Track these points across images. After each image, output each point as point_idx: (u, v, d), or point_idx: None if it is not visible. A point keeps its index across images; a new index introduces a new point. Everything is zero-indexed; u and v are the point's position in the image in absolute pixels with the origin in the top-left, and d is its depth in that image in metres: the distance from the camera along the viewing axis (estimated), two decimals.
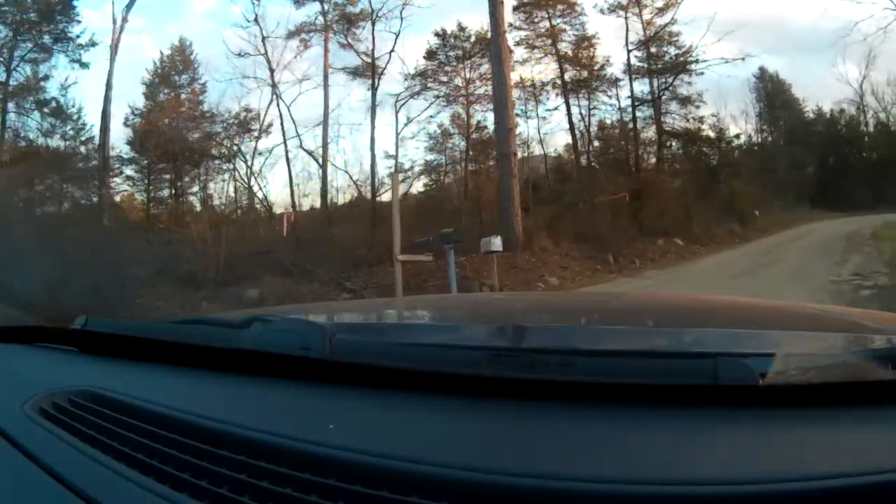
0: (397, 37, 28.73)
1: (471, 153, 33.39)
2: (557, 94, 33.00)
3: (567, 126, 33.12)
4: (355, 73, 29.99)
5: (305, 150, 28.83)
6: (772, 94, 45.46)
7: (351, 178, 29.71)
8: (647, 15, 31.70)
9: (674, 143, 34.45)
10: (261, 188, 29.70)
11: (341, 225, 25.76)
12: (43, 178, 25.08)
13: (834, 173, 44.14)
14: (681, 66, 32.08)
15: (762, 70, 44.34)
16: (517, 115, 33.09)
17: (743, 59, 31.21)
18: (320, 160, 29.06)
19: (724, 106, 39.38)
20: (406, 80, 30.74)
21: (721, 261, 21.30)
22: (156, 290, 16.98)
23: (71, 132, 27.77)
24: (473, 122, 33.03)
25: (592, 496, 0.82)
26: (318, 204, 29.97)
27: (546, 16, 32.39)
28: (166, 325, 1.87)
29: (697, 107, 33.45)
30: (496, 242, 15.09)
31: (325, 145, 29.18)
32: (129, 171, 30.04)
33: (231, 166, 29.12)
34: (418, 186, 34.02)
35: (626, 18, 31.87)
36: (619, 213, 25.71)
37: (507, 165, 22.33)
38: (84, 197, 26.61)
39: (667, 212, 27.01)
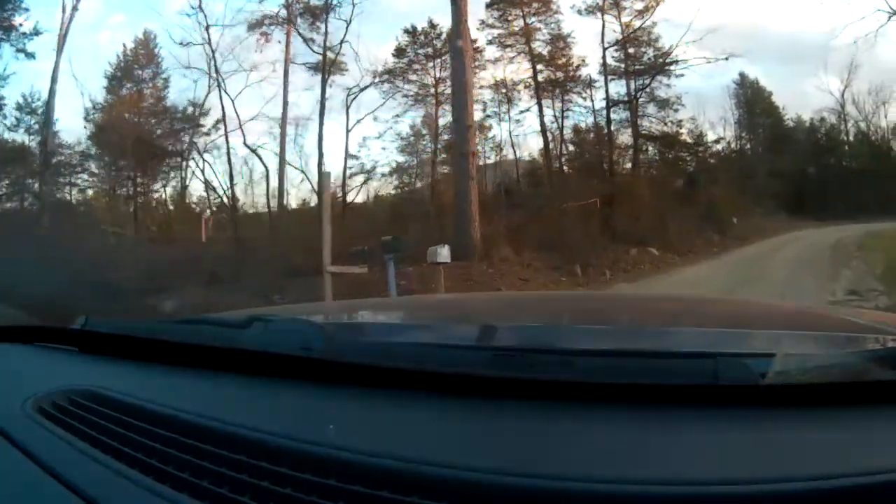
0: (348, 25, 27.42)
1: (444, 155, 32.62)
2: (531, 96, 32.43)
3: (539, 128, 32.43)
4: (317, 68, 28.79)
5: (248, 147, 27.23)
6: (752, 100, 45.16)
7: (306, 177, 28.56)
8: (625, 17, 31.06)
9: (651, 148, 33.89)
10: (221, 187, 28.21)
11: (295, 228, 24.30)
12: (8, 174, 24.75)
13: (813, 182, 44.03)
14: (660, 66, 31.47)
15: (742, 76, 44.30)
16: (489, 115, 33.16)
17: (727, 58, 30.00)
18: (266, 157, 27.91)
19: (702, 112, 38.74)
20: (365, 74, 29.46)
21: (700, 274, 19.80)
22: (65, 301, 15.06)
23: (36, 126, 27.20)
24: (444, 122, 32.04)
25: (592, 496, 0.82)
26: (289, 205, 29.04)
27: (520, 14, 31.75)
28: (166, 325, 1.86)
29: (676, 110, 32.87)
30: (443, 252, 13.88)
31: (282, 143, 27.90)
32: (94, 167, 29.56)
33: (184, 163, 28.59)
34: (389, 189, 33.82)
35: (602, 17, 31.05)
36: (591, 219, 24.13)
37: (465, 166, 20.62)
38: (49, 193, 25.94)
39: (641, 219, 25.67)
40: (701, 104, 40.08)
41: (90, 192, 29.99)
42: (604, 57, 31.43)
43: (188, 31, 29.07)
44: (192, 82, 28.44)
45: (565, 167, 32.73)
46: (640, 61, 32.00)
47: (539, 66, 32.13)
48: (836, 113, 46.58)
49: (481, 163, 34.03)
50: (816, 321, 1.97)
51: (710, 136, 38.08)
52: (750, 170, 39.93)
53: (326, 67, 27.96)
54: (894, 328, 1.77)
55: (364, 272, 14.03)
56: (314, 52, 27.83)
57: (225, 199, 28.03)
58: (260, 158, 27.60)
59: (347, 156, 30.46)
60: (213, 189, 28.46)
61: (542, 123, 32.08)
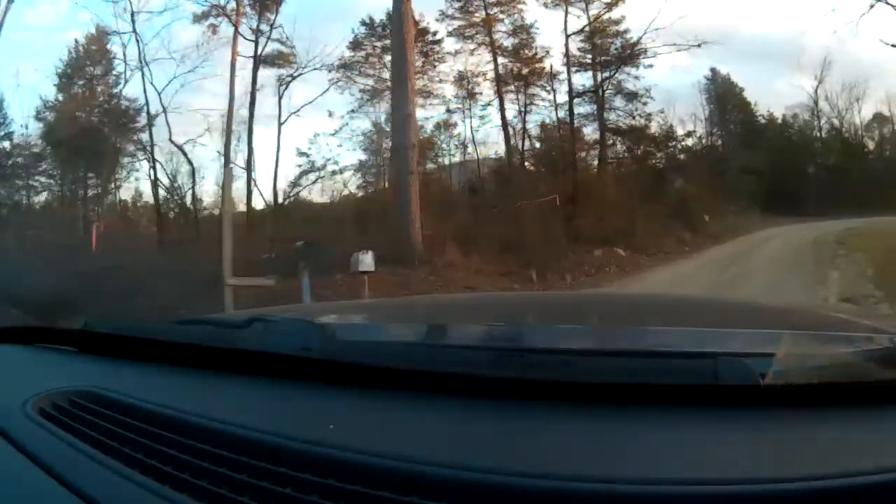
0: (279, 6, 26.00)
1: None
2: (494, 91, 31.11)
3: (500, 123, 31.13)
4: (265, 61, 27.37)
5: (175, 144, 25.44)
6: (723, 96, 44.91)
7: (252, 179, 26.74)
8: (594, 10, 29.97)
9: (619, 143, 32.89)
10: (178, 188, 27.14)
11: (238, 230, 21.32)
12: None
13: (786, 179, 43.66)
14: (628, 54, 30.37)
15: (713, 71, 44.04)
16: (451, 111, 32.23)
17: (699, 45, 28.82)
18: (210, 156, 26.93)
19: (672, 109, 38.26)
20: (306, 63, 27.44)
21: (672, 277, 18.14)
22: None
23: None
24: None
25: (592, 496, 0.82)
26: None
27: (482, 3, 30.49)
28: (166, 326, 1.86)
29: (645, 103, 31.89)
30: (366, 260, 12.42)
31: (227, 140, 25.41)
32: (49, 168, 28.44)
33: (137, 163, 27.47)
34: (353, 188, 31.98)
35: (566, 7, 29.71)
36: (551, 219, 22.18)
37: (404, 160, 18.70)
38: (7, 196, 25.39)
39: (608, 218, 24.24)
40: (671, 101, 40.67)
41: (44, 194, 29.07)
42: (566, 45, 30.40)
43: (115, 19, 27.23)
44: (119, 76, 27.25)
45: (528, 164, 31.87)
46: (608, 52, 31.10)
47: (502, 60, 31.18)
48: (810, 109, 47.08)
49: (446, 161, 33.66)
50: (816, 321, 1.98)
51: (681, 132, 37.59)
52: (722, 166, 39.47)
53: (259, 55, 26.57)
54: (894, 328, 1.78)
55: (271, 284, 12.00)
56: (246, 39, 25.78)
57: (172, 199, 27.18)
58: (185, 155, 26.05)
59: (279, 150, 28.61)
60: (166, 189, 27.14)
61: (504, 118, 31.13)
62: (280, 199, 28.21)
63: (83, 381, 1.41)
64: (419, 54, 29.93)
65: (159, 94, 24.85)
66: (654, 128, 33.46)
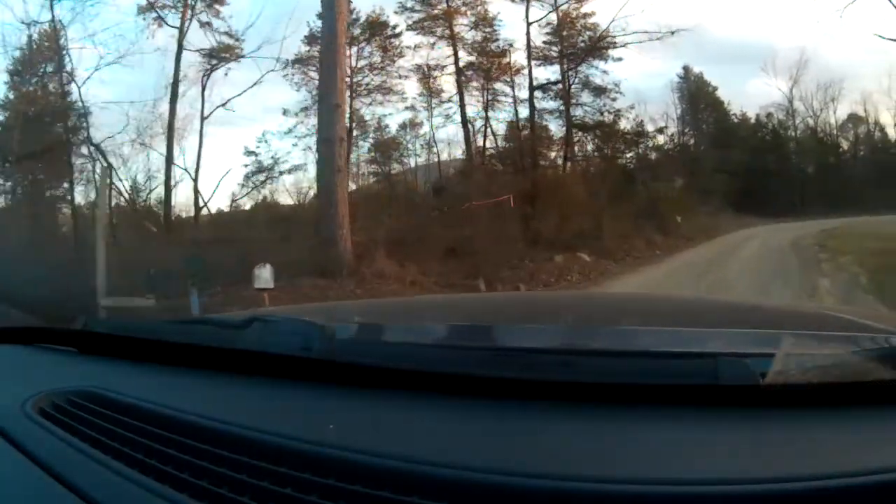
0: None
1: (373, 154, 31.08)
2: (456, 88, 29.41)
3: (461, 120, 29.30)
4: (211, 54, 25.68)
5: (91, 145, 23.80)
6: (695, 95, 44.18)
7: (194, 181, 25.20)
8: (562, 3, 28.45)
9: (587, 139, 31.13)
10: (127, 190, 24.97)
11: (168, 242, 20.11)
12: None
13: (760, 178, 43.37)
14: (595, 42, 28.62)
15: (686, 69, 43.35)
16: (411, 108, 30.51)
17: (672, 32, 26.98)
18: (152, 157, 24.39)
19: (644, 108, 36.79)
20: (236, 51, 25.80)
21: (642, 285, 16.21)
22: None
23: None
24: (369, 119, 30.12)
25: (592, 496, 0.82)
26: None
27: None
28: (166, 326, 1.87)
29: (614, 99, 30.30)
30: (262, 275, 10.26)
31: (169, 140, 24.40)
32: None
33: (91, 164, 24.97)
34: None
35: None
36: (506, 221, 20.23)
37: (330, 155, 16.19)
38: None
39: (572, 219, 22.37)
40: (642, 101, 39.05)
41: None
42: (528, 32, 28.44)
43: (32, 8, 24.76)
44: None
45: (490, 163, 29.84)
46: (575, 45, 29.43)
47: (463, 55, 29.42)
48: (784, 109, 47.06)
49: (412, 162, 32.35)
50: (816, 321, 1.98)
51: (652, 129, 35.80)
52: (694, 166, 38.54)
53: (181, 43, 24.70)
54: (894, 328, 1.79)
55: (150, 305, 10.29)
56: (169, 25, 24.34)
57: (124, 201, 24.99)
58: (103, 155, 23.99)
59: (201, 145, 26.07)
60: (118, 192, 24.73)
61: (464, 114, 29.33)
62: (225, 202, 26.78)
63: (83, 381, 1.41)
64: (378, 49, 29.27)
65: (79, 88, 24.11)
66: (623, 124, 31.91)
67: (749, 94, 67.09)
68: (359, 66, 29.22)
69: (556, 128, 30.86)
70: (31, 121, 24.73)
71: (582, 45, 29.40)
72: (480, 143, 30.72)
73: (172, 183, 24.78)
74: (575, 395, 1.09)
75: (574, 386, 1.11)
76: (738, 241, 25.72)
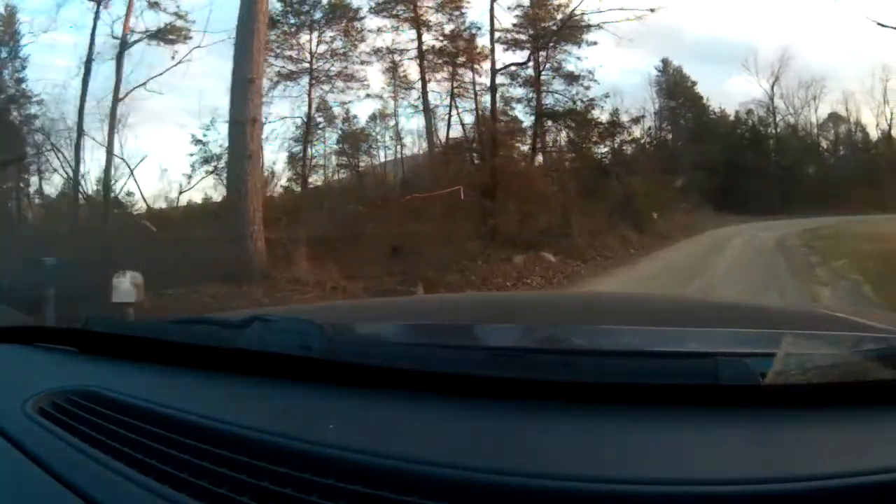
0: None
1: (341, 146, 29.90)
2: (419, 73, 28.09)
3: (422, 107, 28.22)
4: (155, 37, 23.94)
5: (40, 133, 22.40)
6: (674, 89, 43.63)
7: (128, 165, 23.34)
8: None
9: (559, 129, 28.62)
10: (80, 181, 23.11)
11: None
12: None
13: (739, 176, 42.94)
14: (568, 25, 26.18)
15: (665, 62, 42.83)
16: (370, 95, 28.80)
17: (653, 10, 24.00)
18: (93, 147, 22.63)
19: (621, 101, 34.55)
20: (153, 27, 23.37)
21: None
22: None
23: None
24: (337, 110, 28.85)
25: (592, 496, 0.82)
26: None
27: None
28: (166, 325, 1.86)
29: (587, 87, 28.05)
30: (122, 286, 8.02)
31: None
32: None
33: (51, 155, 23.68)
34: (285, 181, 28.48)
35: None
36: (460, 216, 18.72)
37: (240, 138, 13.92)
38: None
39: (538, 215, 20.78)
40: (619, 94, 36.75)
41: None
42: (491, 9, 26.43)
43: None
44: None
45: (449, 153, 27.36)
46: (546, 28, 27.25)
47: (430, 39, 28.00)
48: (765, 106, 47.03)
49: (383, 156, 30.81)
50: (816, 321, 1.99)
51: (627, 120, 33.40)
52: (672, 161, 37.65)
53: (97, 20, 22.64)
54: (894, 328, 1.79)
55: None
56: None
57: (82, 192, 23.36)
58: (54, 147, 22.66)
59: (113, 129, 23.36)
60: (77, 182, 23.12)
61: (426, 101, 28.25)
62: (107, 195, 23.43)
63: (83, 381, 1.40)
64: (340, 34, 27.68)
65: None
66: (597, 114, 29.24)
67: (728, 93, 67.50)
68: (319, 50, 27.99)
69: (525, 116, 29.06)
70: None
71: (554, 28, 27.28)
72: (454, 133, 29.25)
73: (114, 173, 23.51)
74: (575, 395, 1.09)
75: (574, 386, 1.11)
76: (720, 241, 24.35)
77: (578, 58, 27.92)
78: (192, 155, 25.28)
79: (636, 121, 34.58)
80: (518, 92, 28.47)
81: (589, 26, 26.07)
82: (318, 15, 27.52)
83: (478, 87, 28.21)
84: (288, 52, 27.39)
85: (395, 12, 28.23)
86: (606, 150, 31.23)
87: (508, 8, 27.20)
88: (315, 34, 27.56)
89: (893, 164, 44.57)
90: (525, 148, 27.40)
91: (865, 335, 1.49)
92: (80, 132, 22.76)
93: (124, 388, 1.33)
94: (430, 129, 28.61)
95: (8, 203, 26.12)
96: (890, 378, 1.04)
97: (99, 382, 1.38)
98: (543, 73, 28.13)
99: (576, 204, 22.60)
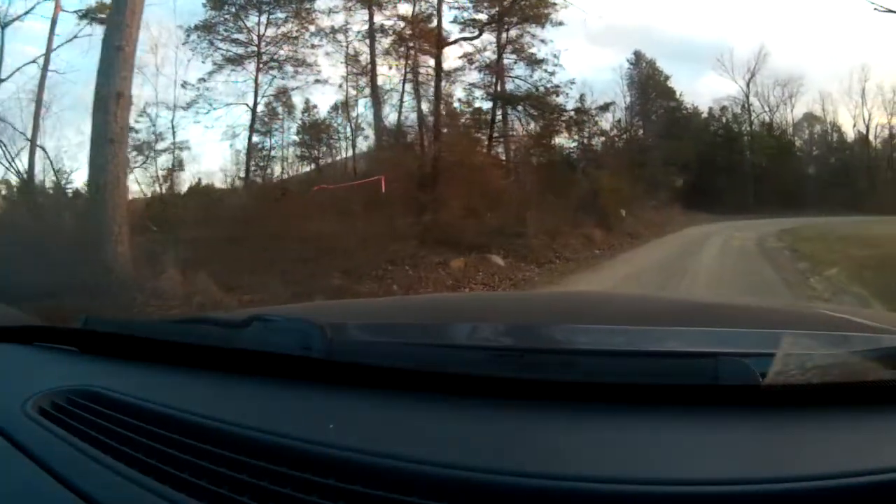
0: None
1: (302, 137, 28.35)
2: (368, 56, 25.34)
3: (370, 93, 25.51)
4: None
5: None
6: (646, 82, 42.04)
7: (50, 161, 21.16)
8: None
9: (521, 119, 26.92)
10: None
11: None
12: None
13: (711, 173, 42.06)
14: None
15: (638, 55, 41.27)
16: (329, 82, 26.22)
17: None
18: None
19: (591, 94, 32.50)
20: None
21: None
22: None
23: None
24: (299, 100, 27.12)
25: (592, 496, 0.83)
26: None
27: None
28: (167, 325, 1.88)
29: (552, 73, 26.28)
30: None
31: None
32: None
33: None
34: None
35: None
36: (386, 213, 16.40)
37: (105, 119, 11.07)
38: None
39: (486, 211, 18.34)
40: (588, 88, 34.67)
41: None
42: None
43: None
44: None
45: (392, 141, 25.32)
46: (507, 6, 25.13)
47: (379, 19, 25.38)
48: (740, 103, 46.10)
49: (345, 150, 28.31)
50: (816, 321, 1.99)
51: (599, 123, 32.56)
52: (642, 157, 36.05)
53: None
54: (894, 328, 1.79)
55: None
56: None
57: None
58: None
59: (33, 128, 21.14)
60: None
61: (374, 84, 25.54)
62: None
63: (83, 381, 1.40)
64: (290, 14, 25.58)
65: None
66: (563, 101, 27.28)
67: (701, 93, 66.97)
68: (267, 33, 25.69)
69: (482, 102, 27.24)
70: None
71: (517, 5, 25.39)
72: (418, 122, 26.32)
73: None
74: (575, 395, 1.09)
75: (574, 386, 1.11)
76: (694, 241, 22.32)
77: (543, 40, 25.99)
78: (136, 140, 23.34)
79: (605, 108, 32.97)
80: (475, 76, 26.76)
81: (554, 3, 24.78)
82: None
83: (430, 71, 25.48)
84: (235, 35, 25.46)
85: None
86: (574, 143, 30.33)
87: None
88: (264, 16, 25.55)
89: (868, 165, 44.97)
90: (481, 136, 25.83)
91: (865, 335, 1.50)
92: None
93: (124, 387, 1.33)
94: (379, 116, 26.23)
95: None
96: (889, 378, 1.04)
97: (99, 382, 1.38)
98: (505, 56, 26.36)
99: (534, 199, 20.35)
